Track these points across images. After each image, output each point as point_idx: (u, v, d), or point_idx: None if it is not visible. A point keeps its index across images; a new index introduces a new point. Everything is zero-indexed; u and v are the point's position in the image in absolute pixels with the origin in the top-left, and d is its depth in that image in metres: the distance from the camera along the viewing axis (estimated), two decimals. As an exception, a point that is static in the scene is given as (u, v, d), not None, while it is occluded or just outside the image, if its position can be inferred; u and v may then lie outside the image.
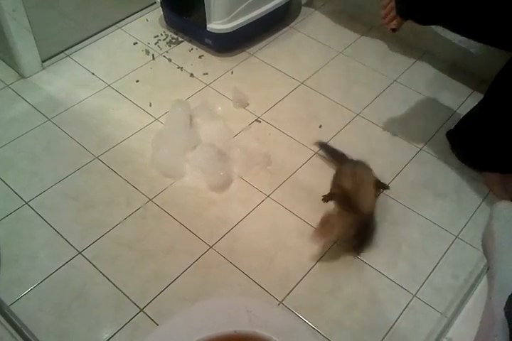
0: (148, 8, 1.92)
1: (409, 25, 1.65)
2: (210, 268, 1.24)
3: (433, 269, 1.26)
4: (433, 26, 1.57)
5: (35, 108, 1.56)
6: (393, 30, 1.29)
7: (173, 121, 1.52)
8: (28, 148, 1.46)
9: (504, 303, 0.77)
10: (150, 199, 1.36)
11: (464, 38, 1.53)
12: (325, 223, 1.16)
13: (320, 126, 1.56)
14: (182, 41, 1.81)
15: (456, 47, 1.54)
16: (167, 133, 1.48)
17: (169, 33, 1.84)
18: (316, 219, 1.33)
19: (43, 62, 1.68)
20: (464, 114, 1.49)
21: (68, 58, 1.73)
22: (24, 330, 1.06)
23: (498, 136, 1.30)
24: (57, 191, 1.37)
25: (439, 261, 1.27)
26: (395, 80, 1.71)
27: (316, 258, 1.26)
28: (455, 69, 1.73)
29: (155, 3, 1.87)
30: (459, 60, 1.71)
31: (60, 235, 1.28)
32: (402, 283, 1.23)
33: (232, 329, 0.93)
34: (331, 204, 1.25)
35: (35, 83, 1.64)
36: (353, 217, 1.16)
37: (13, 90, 1.61)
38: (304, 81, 1.70)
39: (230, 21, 1.66)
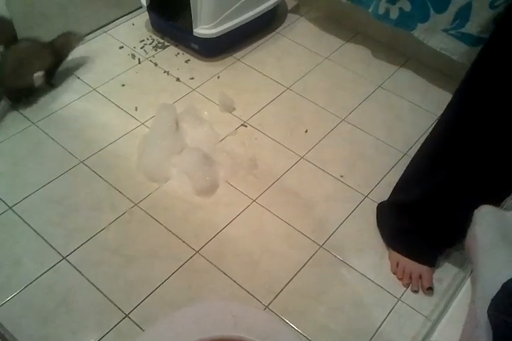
0: (135, 12, 1.92)
1: (393, 31, 1.68)
2: (196, 273, 1.24)
3: (417, 273, 1.27)
4: (415, 35, 1.59)
5: (18, 112, 1.55)
6: (429, 288, 1.24)
7: (158, 125, 1.52)
8: (12, 152, 1.45)
9: (487, 306, 0.77)
10: (135, 204, 1.36)
11: (445, 46, 1.55)
12: None
13: (306, 131, 1.57)
14: (168, 46, 1.81)
15: (438, 54, 1.57)
16: (153, 138, 1.48)
17: (155, 38, 1.83)
18: (302, 224, 1.34)
19: (28, 65, 1.66)
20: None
21: (53, 62, 1.72)
22: (7, 336, 1.05)
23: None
24: (42, 196, 1.36)
25: (424, 264, 1.29)
26: (379, 86, 1.73)
27: (302, 262, 1.27)
28: (438, 75, 1.75)
29: (141, 7, 1.86)
30: (442, 67, 1.74)
31: (44, 240, 1.27)
32: (387, 287, 1.24)
33: (218, 334, 0.93)
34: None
35: (19, 87, 1.62)
36: None
37: (-3, 94, 1.60)
38: (290, 86, 1.71)
39: (216, 26, 1.67)
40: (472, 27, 1.45)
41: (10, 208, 1.32)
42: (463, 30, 1.47)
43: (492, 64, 0.96)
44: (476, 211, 0.97)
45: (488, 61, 0.97)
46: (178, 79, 1.70)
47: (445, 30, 1.52)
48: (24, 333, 1.11)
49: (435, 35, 1.55)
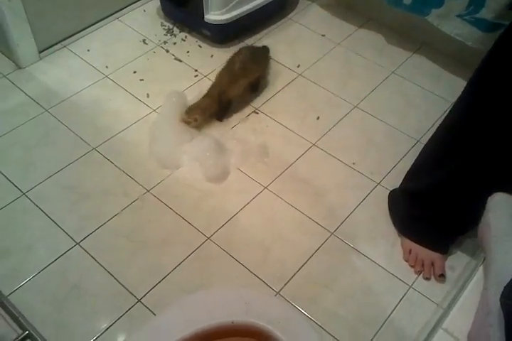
0: (146, -2, 1.91)
1: (406, 16, 1.66)
2: (207, 260, 1.24)
3: (429, 261, 1.27)
4: (429, 20, 1.57)
5: (31, 99, 1.55)
6: (442, 275, 1.23)
7: (169, 112, 1.51)
8: (25, 139, 1.45)
9: (499, 294, 0.77)
10: (147, 191, 1.36)
11: (459, 32, 1.53)
12: (193, 108, 1.46)
13: (317, 118, 1.56)
14: (180, 32, 1.80)
15: (452, 40, 1.55)
16: (164, 125, 1.48)
17: (167, 24, 1.83)
18: (313, 211, 1.34)
19: (40, 52, 1.67)
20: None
21: (65, 49, 1.72)
22: (22, 320, 1.06)
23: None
24: (55, 182, 1.37)
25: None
26: (392, 72, 1.71)
27: (313, 249, 1.27)
28: (452, 61, 1.73)
29: (152, -7, 1.86)
30: (455, 53, 1.71)
31: (58, 226, 1.28)
32: (399, 275, 1.24)
33: (229, 319, 0.93)
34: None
35: (32, 74, 1.63)
36: (215, 103, 1.48)
37: (9, 80, 1.60)
38: (302, 72, 1.69)
39: (227, 12, 1.65)
40: (487, 13, 1.43)
41: (24, 194, 1.34)
42: (477, 15, 1.45)
43: (508, 56, 0.95)
44: (489, 198, 0.96)
45: (503, 53, 0.96)
46: (189, 66, 1.69)
47: (459, 16, 1.50)
48: (38, 318, 1.13)
49: (449, 21, 1.53)
